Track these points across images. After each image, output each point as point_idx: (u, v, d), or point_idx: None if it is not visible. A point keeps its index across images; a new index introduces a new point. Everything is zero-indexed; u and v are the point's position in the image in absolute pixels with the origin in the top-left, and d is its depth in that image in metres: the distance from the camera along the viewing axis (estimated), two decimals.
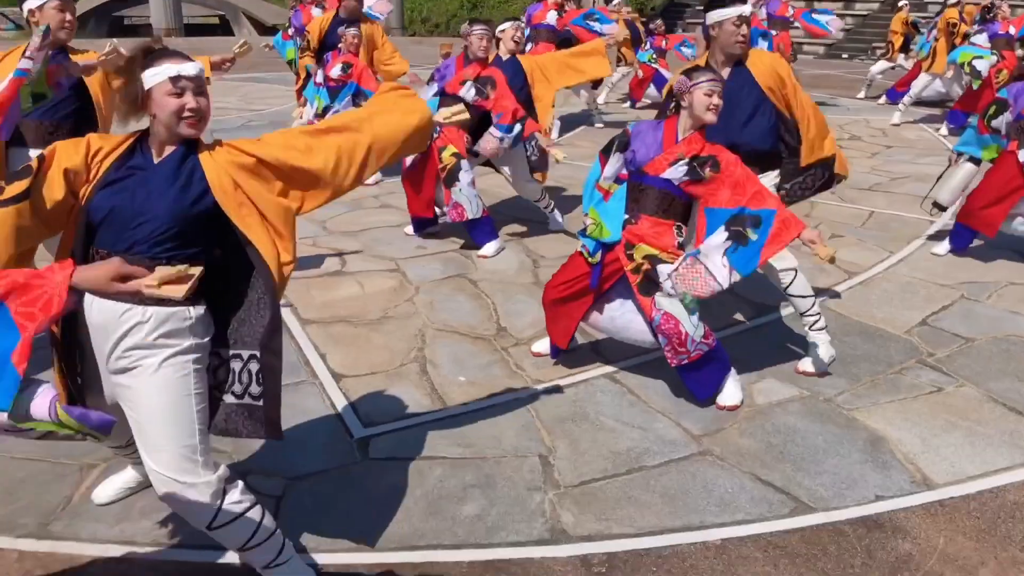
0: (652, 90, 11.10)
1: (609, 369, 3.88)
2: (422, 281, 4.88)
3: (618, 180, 3.49)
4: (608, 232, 3.47)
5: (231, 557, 2.53)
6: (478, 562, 2.62)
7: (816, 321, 3.77)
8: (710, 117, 3.36)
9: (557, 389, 3.69)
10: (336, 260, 5.19)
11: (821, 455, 3.21)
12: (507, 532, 2.76)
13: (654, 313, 3.40)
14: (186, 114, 2.16)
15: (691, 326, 3.38)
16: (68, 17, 3.75)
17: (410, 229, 5.72)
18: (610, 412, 3.50)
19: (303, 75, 7.72)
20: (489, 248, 5.30)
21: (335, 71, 6.73)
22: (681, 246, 3.48)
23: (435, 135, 5.20)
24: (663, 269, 3.41)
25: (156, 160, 2.22)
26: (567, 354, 3.96)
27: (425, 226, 5.62)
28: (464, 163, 5.24)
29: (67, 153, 2.18)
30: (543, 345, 3.99)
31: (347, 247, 5.43)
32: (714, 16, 3.72)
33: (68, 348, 2.26)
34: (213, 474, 2.16)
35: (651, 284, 3.43)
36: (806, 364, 3.84)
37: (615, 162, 3.50)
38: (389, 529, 2.76)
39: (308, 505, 2.87)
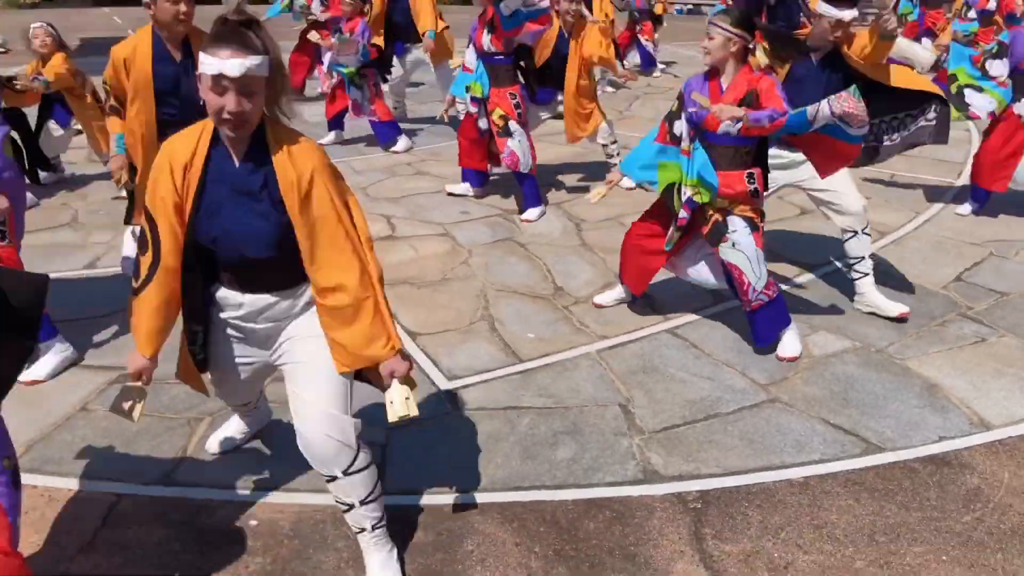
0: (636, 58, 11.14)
1: (669, 325, 4.06)
2: (473, 244, 5.03)
3: (691, 138, 3.62)
4: (708, 194, 3.59)
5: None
6: (581, 500, 2.81)
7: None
8: (707, 60, 3.56)
9: (623, 344, 3.87)
10: (386, 224, 5.33)
11: (882, 401, 3.41)
12: (603, 473, 2.94)
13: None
14: (225, 116, 2.03)
15: (754, 276, 3.57)
16: (184, 8, 3.41)
17: (452, 187, 5.91)
18: (678, 364, 3.69)
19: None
20: (532, 213, 5.44)
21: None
22: (755, 193, 3.62)
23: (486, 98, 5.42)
24: (734, 221, 3.58)
25: (236, 163, 2.15)
26: (628, 311, 4.14)
27: (477, 180, 5.81)
28: (513, 123, 5.37)
29: (164, 201, 2.14)
30: (606, 297, 4.18)
31: (395, 213, 5.56)
32: (820, 8, 3.71)
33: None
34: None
35: (719, 234, 3.62)
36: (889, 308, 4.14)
37: (681, 126, 3.64)
38: (491, 472, 2.94)
39: (412, 451, 3.04)
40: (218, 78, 1.97)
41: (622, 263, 4.05)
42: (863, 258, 4.08)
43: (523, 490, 2.85)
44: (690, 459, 3.03)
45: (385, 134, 7.09)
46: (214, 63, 1.96)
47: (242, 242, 2.17)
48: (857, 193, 4.03)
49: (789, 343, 3.75)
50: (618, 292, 4.24)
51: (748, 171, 3.58)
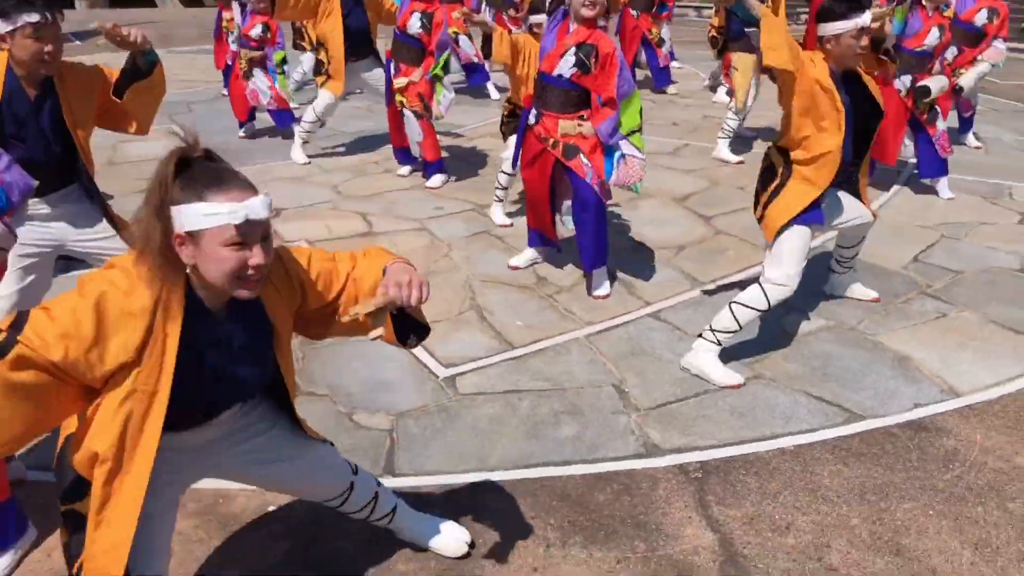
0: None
1: (651, 309, 4.22)
2: (451, 239, 5.12)
3: None
4: None
5: None
6: (589, 475, 2.93)
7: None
8: (587, 12, 3.92)
9: (610, 329, 4.01)
10: (362, 221, 5.39)
11: (858, 374, 3.61)
12: (606, 449, 3.07)
13: (585, 169, 4.10)
14: (249, 273, 1.66)
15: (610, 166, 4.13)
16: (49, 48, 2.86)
17: (402, 170, 6.44)
18: (664, 346, 3.84)
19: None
20: (435, 180, 6.12)
21: (255, 31, 7.19)
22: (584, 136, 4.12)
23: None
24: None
25: (216, 315, 1.79)
26: (611, 297, 4.29)
27: (407, 158, 6.42)
28: (407, 113, 5.94)
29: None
30: (519, 259, 4.68)
31: (369, 210, 5.61)
32: (831, 29, 3.35)
33: None
34: None
35: (572, 149, 4.12)
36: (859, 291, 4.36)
37: None
38: (498, 452, 3.04)
39: (418, 436, 3.13)
40: (247, 226, 1.61)
41: (527, 214, 4.51)
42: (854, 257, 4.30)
43: (532, 467, 2.96)
44: (686, 433, 3.18)
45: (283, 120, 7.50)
46: (235, 208, 1.59)
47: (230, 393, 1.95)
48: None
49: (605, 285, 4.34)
50: (530, 253, 4.66)
51: (580, 115, 4.10)
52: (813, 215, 3.53)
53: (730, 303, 3.59)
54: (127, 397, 1.69)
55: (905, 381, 3.56)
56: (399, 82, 5.85)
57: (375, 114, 8.09)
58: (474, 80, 9.15)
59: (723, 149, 7.00)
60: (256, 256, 1.63)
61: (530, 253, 4.66)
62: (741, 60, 6.81)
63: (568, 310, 4.19)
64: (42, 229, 3.09)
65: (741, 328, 3.58)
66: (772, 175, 3.63)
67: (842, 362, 3.72)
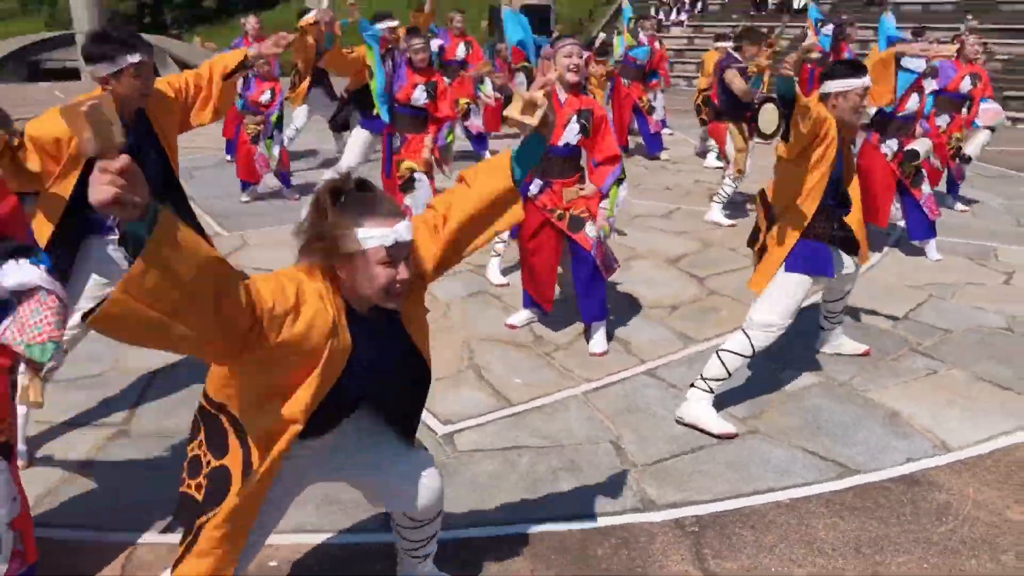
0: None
1: (646, 367, 4.29)
2: (450, 298, 5.20)
3: None
4: None
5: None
6: (587, 529, 2.97)
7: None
8: (571, 77, 4.12)
9: (606, 386, 4.07)
10: None
11: (851, 429, 3.67)
12: (604, 504, 3.11)
13: (591, 241, 4.24)
14: (396, 287, 1.92)
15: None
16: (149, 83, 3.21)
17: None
18: (659, 403, 3.90)
19: None
20: None
21: (264, 97, 7.51)
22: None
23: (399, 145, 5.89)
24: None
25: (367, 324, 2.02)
26: (607, 355, 4.36)
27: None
28: (420, 176, 5.80)
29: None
30: (516, 318, 4.71)
31: None
32: (836, 86, 3.54)
33: None
34: None
35: (578, 221, 4.27)
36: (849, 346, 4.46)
37: None
38: (498, 507, 3.08)
39: None
40: (395, 248, 1.87)
41: (523, 278, 4.56)
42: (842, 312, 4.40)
43: (531, 522, 2.99)
44: (682, 488, 3.22)
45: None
46: (387, 233, 1.85)
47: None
48: None
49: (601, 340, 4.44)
50: (526, 313, 4.71)
51: (576, 177, 4.33)
52: (813, 266, 3.65)
53: (717, 350, 3.68)
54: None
55: (897, 436, 3.62)
56: (408, 163, 5.86)
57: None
58: (479, 148, 9.50)
59: (716, 212, 7.16)
60: (402, 272, 1.91)
61: (527, 313, 4.75)
62: (764, 117, 7.04)
63: (565, 368, 4.26)
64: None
65: (730, 375, 3.67)
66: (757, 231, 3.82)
67: (835, 417, 3.78)
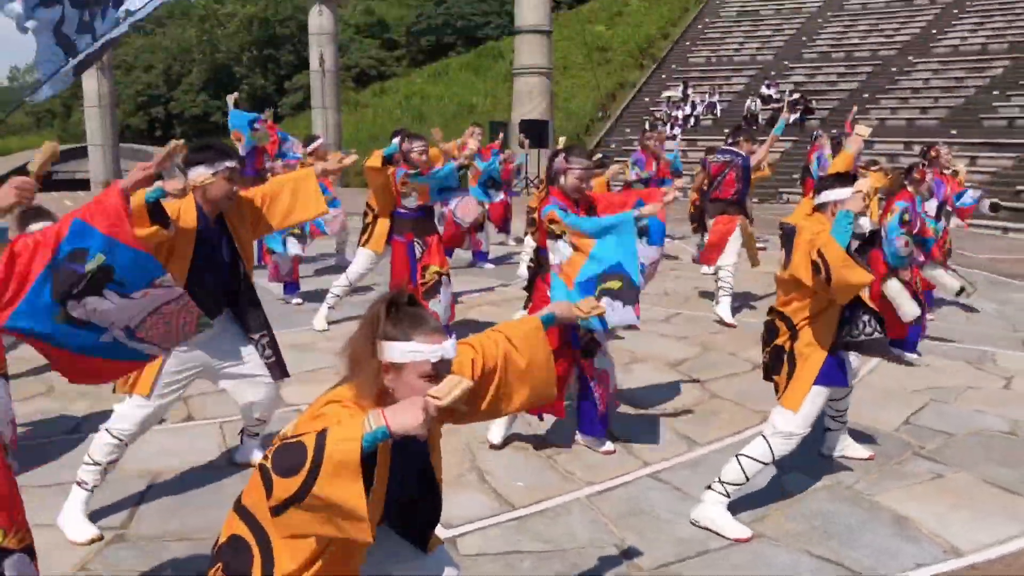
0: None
1: (649, 470, 4.26)
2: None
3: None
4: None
5: None
6: None
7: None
8: (575, 195, 4.28)
9: (610, 489, 4.04)
10: None
11: (858, 532, 3.63)
12: None
13: (593, 372, 4.32)
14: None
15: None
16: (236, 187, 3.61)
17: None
18: (664, 506, 3.87)
19: None
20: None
21: None
22: None
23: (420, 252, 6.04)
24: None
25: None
26: (609, 459, 4.34)
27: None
28: (445, 279, 6.02)
29: None
30: (495, 434, 4.54)
31: None
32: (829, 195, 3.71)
33: None
34: None
35: (594, 344, 4.32)
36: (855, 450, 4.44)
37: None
38: None
39: None
40: (439, 364, 1.96)
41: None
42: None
43: None
44: None
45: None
46: (435, 349, 1.95)
47: None
48: None
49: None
50: (503, 422, 4.48)
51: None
52: (837, 378, 3.70)
53: (737, 455, 3.68)
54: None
55: (904, 540, 3.58)
56: (435, 268, 6.10)
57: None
58: (480, 261, 10.09)
59: (724, 308, 7.23)
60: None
61: (502, 429, 4.55)
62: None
63: (568, 471, 4.24)
64: (189, 354, 3.55)
65: (748, 480, 3.66)
66: (775, 335, 3.80)
67: (841, 520, 3.74)
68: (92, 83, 21.53)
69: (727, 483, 3.65)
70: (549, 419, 4.75)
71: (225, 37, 44.21)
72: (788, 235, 3.67)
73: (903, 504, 3.91)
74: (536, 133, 19.09)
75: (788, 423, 3.65)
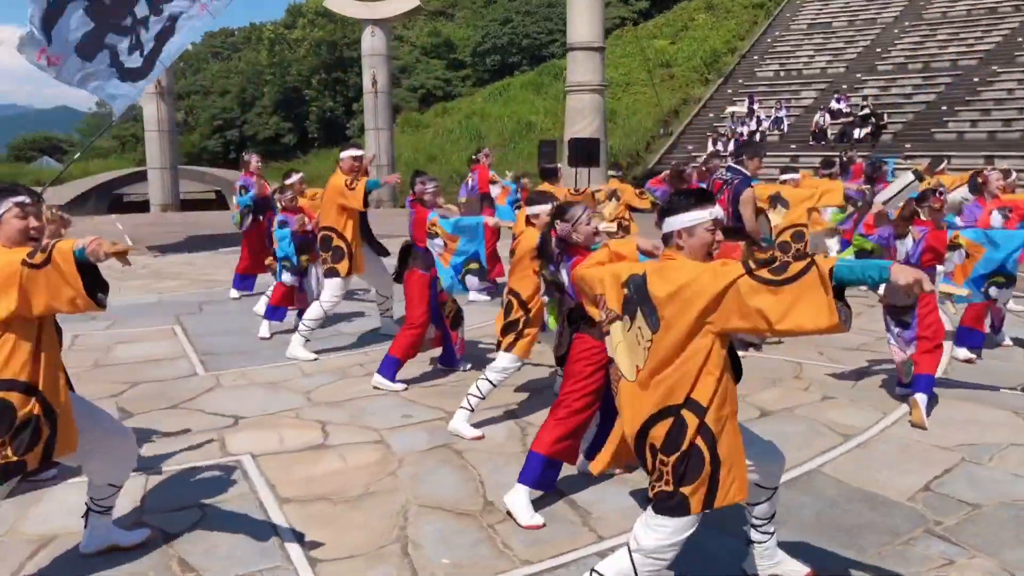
0: None
1: (603, 546, 3.67)
2: (407, 452, 4.72)
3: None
4: None
5: None
6: None
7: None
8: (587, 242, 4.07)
9: (550, 570, 3.47)
10: (319, 433, 5.05)
11: None
12: None
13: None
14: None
15: None
16: None
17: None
18: None
19: None
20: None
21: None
22: None
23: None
24: None
25: None
26: (559, 529, 3.78)
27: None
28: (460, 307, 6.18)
29: None
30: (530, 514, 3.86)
31: (332, 419, 5.29)
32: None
33: None
34: None
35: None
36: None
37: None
38: None
39: None
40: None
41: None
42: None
43: None
44: None
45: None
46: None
47: None
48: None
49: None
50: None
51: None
52: None
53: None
54: None
55: None
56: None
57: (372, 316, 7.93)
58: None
59: None
60: None
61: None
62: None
63: (506, 544, 3.68)
64: None
65: None
66: None
67: None
68: (152, 108, 21.87)
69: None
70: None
71: (295, 61, 45.01)
72: None
73: None
74: (586, 152, 18.55)
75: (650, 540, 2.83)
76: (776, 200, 9.01)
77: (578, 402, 3.91)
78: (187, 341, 7.34)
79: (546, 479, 3.95)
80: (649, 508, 2.80)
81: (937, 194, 5.07)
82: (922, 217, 5.14)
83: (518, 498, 3.89)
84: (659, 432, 2.76)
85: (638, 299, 2.84)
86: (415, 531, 3.80)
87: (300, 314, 7.59)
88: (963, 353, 6.55)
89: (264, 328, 7.49)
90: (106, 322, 8.03)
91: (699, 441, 2.70)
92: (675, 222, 2.87)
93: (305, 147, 43.90)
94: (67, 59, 10.21)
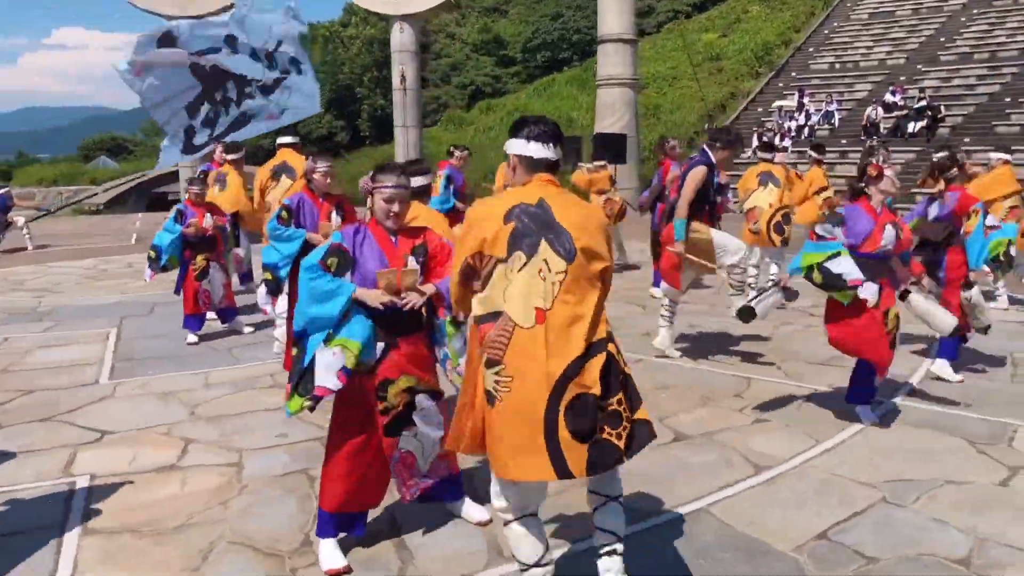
0: None
1: None
2: (255, 478, 4.29)
3: None
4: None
5: None
6: None
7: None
8: (389, 224, 3.39)
9: None
10: (178, 452, 4.67)
11: None
12: None
13: (395, 452, 3.33)
14: None
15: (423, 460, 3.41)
16: None
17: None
18: None
19: None
20: None
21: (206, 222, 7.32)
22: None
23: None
24: (421, 400, 3.30)
25: None
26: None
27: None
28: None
29: None
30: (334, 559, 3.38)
31: (201, 437, 4.91)
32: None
33: None
34: None
35: (401, 423, 3.33)
36: None
37: None
38: None
39: None
40: None
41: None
42: None
43: None
44: None
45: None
46: None
47: None
48: None
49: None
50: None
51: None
52: None
53: None
54: None
55: None
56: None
57: None
58: None
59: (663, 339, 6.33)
60: None
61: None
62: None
63: None
64: None
65: None
66: None
67: None
68: None
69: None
70: None
71: (348, 59, 45.19)
72: None
73: None
74: (613, 148, 17.86)
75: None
76: (767, 178, 8.40)
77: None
78: (111, 346, 7.08)
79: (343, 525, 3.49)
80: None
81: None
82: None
83: (324, 542, 3.45)
84: (592, 373, 2.61)
85: (537, 227, 2.65)
86: (209, 573, 3.38)
87: (220, 312, 7.34)
88: (948, 372, 5.85)
89: (191, 335, 7.22)
90: (48, 324, 7.86)
91: (627, 369, 2.78)
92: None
93: (358, 144, 44.09)
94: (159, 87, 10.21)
